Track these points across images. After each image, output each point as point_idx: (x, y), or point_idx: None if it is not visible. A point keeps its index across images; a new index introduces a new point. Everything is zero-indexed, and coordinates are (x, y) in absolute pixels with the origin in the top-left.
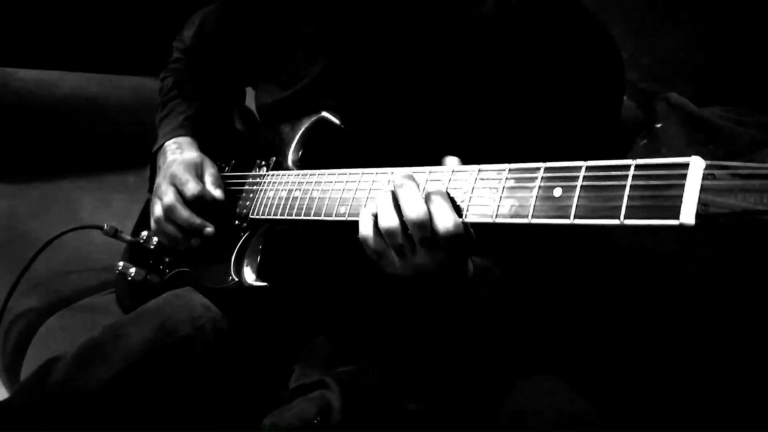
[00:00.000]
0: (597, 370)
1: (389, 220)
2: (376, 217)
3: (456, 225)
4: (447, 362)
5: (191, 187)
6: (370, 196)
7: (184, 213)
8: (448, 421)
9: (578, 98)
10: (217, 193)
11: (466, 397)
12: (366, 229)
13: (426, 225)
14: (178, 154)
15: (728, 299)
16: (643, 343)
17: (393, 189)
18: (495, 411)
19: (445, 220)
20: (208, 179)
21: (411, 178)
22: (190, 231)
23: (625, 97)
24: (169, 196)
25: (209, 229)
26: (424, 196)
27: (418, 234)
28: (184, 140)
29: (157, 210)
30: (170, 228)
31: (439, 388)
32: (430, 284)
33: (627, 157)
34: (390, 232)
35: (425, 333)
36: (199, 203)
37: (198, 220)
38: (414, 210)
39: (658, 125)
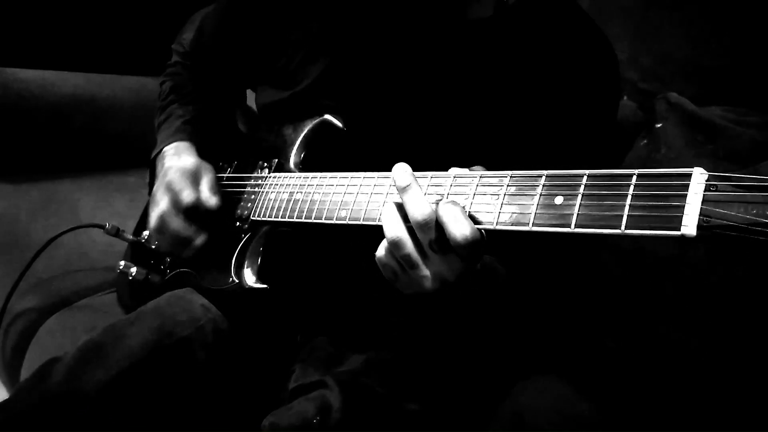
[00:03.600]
0: (597, 370)
1: (394, 230)
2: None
3: (473, 232)
4: (447, 362)
5: (186, 196)
6: (371, 200)
7: (175, 223)
8: (447, 421)
9: (575, 100)
10: (213, 201)
11: (466, 397)
12: (380, 251)
13: (432, 226)
14: (175, 160)
15: (727, 301)
16: (642, 344)
17: (397, 199)
18: (495, 411)
19: (461, 228)
20: (204, 187)
21: (414, 178)
22: (182, 240)
23: (625, 97)
24: (162, 205)
25: (199, 240)
26: (433, 202)
27: (425, 237)
28: (182, 145)
29: (153, 218)
30: (164, 237)
31: (439, 388)
32: (453, 296)
33: (627, 157)
34: (395, 242)
35: (430, 334)
36: (195, 210)
37: (189, 231)
38: (419, 210)
39: (658, 125)
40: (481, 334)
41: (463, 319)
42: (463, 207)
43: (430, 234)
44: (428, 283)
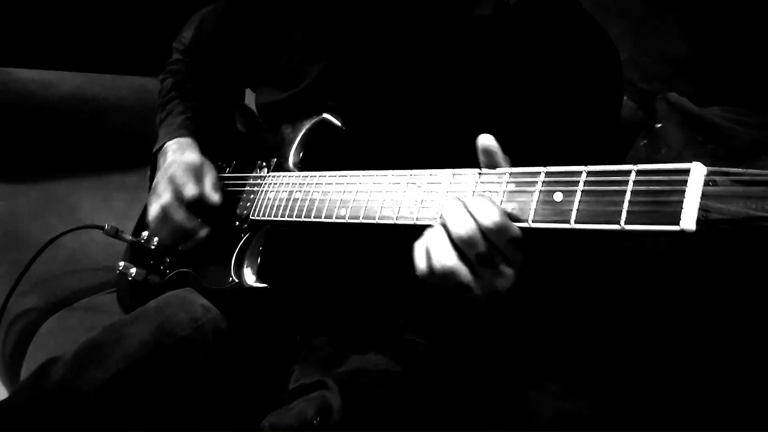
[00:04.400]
0: (597, 370)
1: (444, 258)
2: (428, 251)
3: (501, 214)
4: (448, 363)
5: (190, 189)
6: (370, 198)
7: (180, 214)
8: (448, 421)
9: (577, 98)
10: (215, 197)
11: (467, 398)
12: (421, 264)
13: (476, 239)
14: (179, 155)
15: (727, 300)
16: (643, 344)
17: (442, 221)
18: (496, 411)
19: (489, 215)
20: (208, 183)
21: (456, 200)
22: (184, 232)
23: (625, 97)
24: (166, 196)
25: (203, 233)
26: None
27: (471, 251)
28: (185, 141)
29: (154, 209)
30: (165, 228)
31: (440, 389)
32: (503, 303)
33: (627, 156)
34: (446, 272)
35: (434, 336)
36: (197, 206)
37: (193, 223)
38: (462, 227)
39: (658, 125)
40: (485, 334)
41: (495, 321)
42: (491, 198)
43: (477, 249)
44: (481, 300)
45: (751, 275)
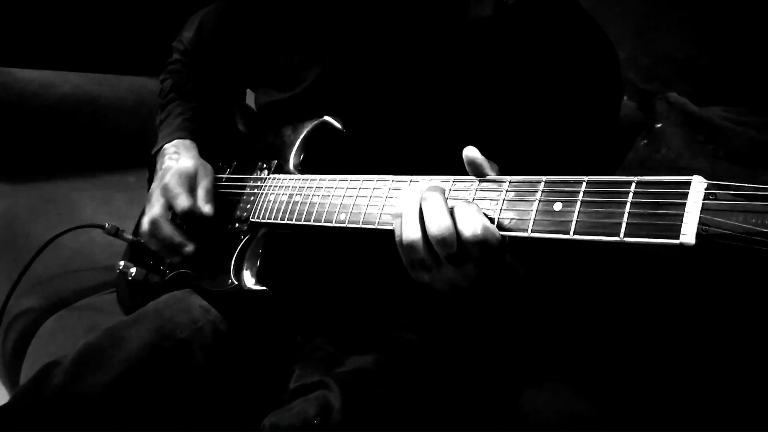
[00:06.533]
0: (597, 370)
1: (410, 233)
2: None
3: (484, 229)
4: (449, 362)
5: (181, 202)
6: (370, 203)
7: (167, 229)
8: (448, 421)
9: (577, 99)
10: (207, 209)
11: (467, 397)
12: (398, 233)
13: (449, 241)
14: (174, 160)
15: (726, 301)
16: (642, 343)
17: (420, 202)
18: (495, 411)
19: (472, 225)
20: (200, 193)
21: (437, 189)
22: (172, 247)
23: (625, 97)
24: (156, 209)
25: (188, 249)
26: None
27: (443, 251)
28: (183, 144)
29: (145, 221)
30: (154, 241)
31: (440, 388)
32: (466, 299)
33: (627, 157)
34: (410, 246)
35: (434, 335)
36: (190, 216)
37: (178, 239)
38: (436, 224)
39: (658, 125)
40: (485, 334)
41: (471, 319)
42: (478, 206)
43: (448, 249)
44: (439, 285)
45: (750, 274)
